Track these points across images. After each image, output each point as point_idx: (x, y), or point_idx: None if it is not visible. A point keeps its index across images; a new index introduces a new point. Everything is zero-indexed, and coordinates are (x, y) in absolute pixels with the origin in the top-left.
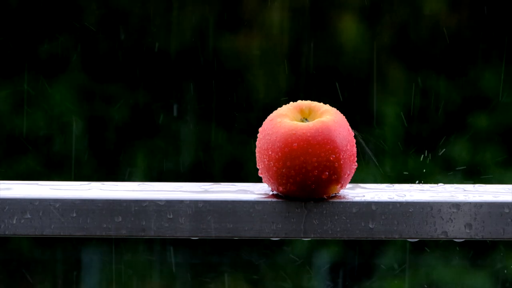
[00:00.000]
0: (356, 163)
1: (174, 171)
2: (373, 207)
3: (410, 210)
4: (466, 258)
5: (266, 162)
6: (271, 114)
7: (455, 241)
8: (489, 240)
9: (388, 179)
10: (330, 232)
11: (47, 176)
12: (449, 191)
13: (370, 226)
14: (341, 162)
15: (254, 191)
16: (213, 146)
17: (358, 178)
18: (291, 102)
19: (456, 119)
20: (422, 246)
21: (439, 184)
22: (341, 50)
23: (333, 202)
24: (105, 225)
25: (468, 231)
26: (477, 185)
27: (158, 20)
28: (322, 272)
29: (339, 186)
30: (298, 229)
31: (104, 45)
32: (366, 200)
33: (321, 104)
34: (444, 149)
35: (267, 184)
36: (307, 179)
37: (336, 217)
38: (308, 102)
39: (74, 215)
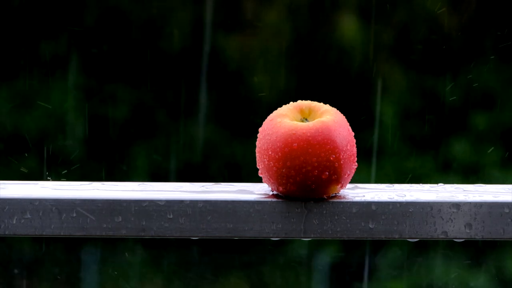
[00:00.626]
0: (356, 163)
1: (174, 171)
2: (373, 207)
3: (410, 210)
4: (466, 258)
5: (266, 162)
6: (271, 114)
7: (455, 241)
8: (489, 240)
9: (388, 179)
10: (330, 232)
11: (47, 176)
12: (449, 191)
13: (370, 226)
14: (341, 162)
15: (254, 191)
16: (213, 146)
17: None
18: (291, 102)
19: (456, 119)
20: (422, 246)
21: (439, 184)
22: (341, 50)
23: (333, 202)
24: (105, 225)
25: (468, 231)
26: (477, 185)
27: (158, 19)
28: (322, 272)
29: (339, 186)
30: (298, 229)
31: (104, 45)
32: (366, 200)
33: (321, 104)
34: (444, 149)
35: (267, 184)
36: (307, 179)
37: (336, 217)
38: (308, 102)
39: (74, 215)
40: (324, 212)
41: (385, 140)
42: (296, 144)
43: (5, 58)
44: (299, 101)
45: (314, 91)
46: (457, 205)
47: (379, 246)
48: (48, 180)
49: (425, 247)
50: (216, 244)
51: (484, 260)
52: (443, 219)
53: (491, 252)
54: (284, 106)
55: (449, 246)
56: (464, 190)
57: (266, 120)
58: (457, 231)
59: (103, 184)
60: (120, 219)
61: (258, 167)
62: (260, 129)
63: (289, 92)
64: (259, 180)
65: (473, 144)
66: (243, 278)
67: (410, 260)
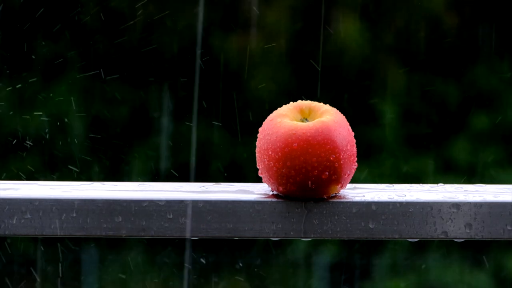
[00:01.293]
0: (356, 163)
1: (174, 171)
2: (373, 207)
3: (410, 210)
4: (466, 258)
5: (266, 162)
6: (271, 114)
7: (455, 241)
8: (489, 240)
9: (388, 179)
10: (330, 232)
11: (47, 176)
12: (449, 191)
13: (370, 226)
14: (341, 162)
15: (254, 191)
16: (213, 146)
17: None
18: (291, 102)
19: (456, 119)
20: (422, 246)
21: (439, 184)
22: (341, 50)
23: (333, 202)
24: (105, 225)
25: (468, 231)
26: (477, 185)
27: (158, 20)
28: (322, 272)
29: (339, 186)
30: (298, 229)
31: (104, 45)
32: (366, 200)
33: (321, 104)
34: (444, 149)
35: (267, 184)
36: (307, 179)
37: (336, 217)
38: (308, 102)
39: (74, 215)
40: (324, 212)
41: (385, 140)
42: (296, 144)
43: (5, 57)
44: (299, 101)
45: (314, 91)
46: (457, 205)
47: (379, 246)
48: (48, 180)
49: (425, 247)
50: (216, 244)
51: (484, 260)
52: (443, 219)
53: (491, 252)
54: (284, 106)
55: (449, 246)
56: (464, 190)
57: (266, 120)
58: (457, 231)
59: (103, 184)
60: (120, 219)
61: (258, 167)
62: (260, 129)
63: (289, 92)
64: (259, 180)
65: (473, 144)
66: (243, 278)
67: (410, 260)
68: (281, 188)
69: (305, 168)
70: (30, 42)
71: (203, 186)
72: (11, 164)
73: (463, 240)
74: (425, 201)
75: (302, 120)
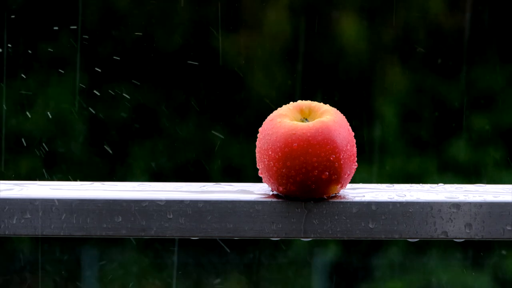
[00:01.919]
0: (356, 163)
1: (174, 171)
2: (373, 207)
3: (410, 210)
4: (466, 258)
5: (266, 162)
6: (271, 114)
7: (455, 241)
8: (489, 240)
9: (388, 179)
10: (330, 232)
11: (47, 176)
12: (449, 191)
13: (370, 226)
14: (341, 162)
15: (254, 191)
16: (213, 146)
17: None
18: (291, 102)
19: (456, 119)
20: (422, 246)
21: (439, 184)
22: (341, 50)
23: (333, 202)
24: (105, 225)
25: (468, 231)
26: (477, 185)
27: (158, 20)
28: (322, 272)
29: (339, 186)
30: (298, 229)
31: (104, 45)
32: (366, 200)
33: (321, 104)
34: (444, 149)
35: (267, 184)
36: (307, 179)
37: (336, 217)
38: (308, 102)
39: (74, 215)
40: (324, 212)
41: (385, 140)
42: (296, 144)
43: (5, 58)
44: (299, 101)
45: (314, 91)
46: (457, 205)
47: (379, 246)
48: (48, 180)
49: (425, 247)
50: (216, 244)
51: (484, 260)
52: (443, 219)
53: (491, 252)
54: (284, 106)
55: (449, 246)
56: (464, 190)
57: (266, 120)
58: (457, 231)
59: (103, 184)
60: (120, 219)
61: (258, 167)
62: (260, 129)
63: (289, 92)
64: (259, 180)
65: (473, 144)
66: (243, 278)
67: (410, 260)
68: (281, 188)
69: (305, 168)
70: (30, 41)
71: (203, 186)
72: (11, 164)
73: (463, 240)
74: (425, 201)
75: (302, 120)
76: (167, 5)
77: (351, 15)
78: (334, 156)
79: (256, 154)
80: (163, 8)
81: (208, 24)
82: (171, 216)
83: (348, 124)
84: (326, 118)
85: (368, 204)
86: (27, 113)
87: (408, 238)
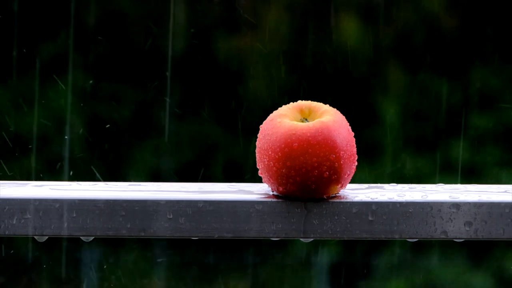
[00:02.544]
0: (356, 163)
1: (174, 171)
2: (373, 207)
3: (410, 210)
4: (466, 258)
5: (266, 162)
6: (271, 114)
7: (455, 241)
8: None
9: (388, 179)
10: (330, 232)
11: (47, 176)
12: (449, 191)
13: (370, 226)
14: (341, 162)
15: (254, 191)
16: (213, 146)
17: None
18: (291, 102)
19: (456, 119)
20: (422, 246)
21: (439, 184)
22: (341, 50)
23: (333, 202)
24: (105, 225)
25: (468, 231)
26: (477, 185)
27: (158, 20)
28: (322, 272)
29: (339, 186)
30: (298, 229)
31: (104, 45)
32: (366, 200)
33: (321, 104)
34: (444, 149)
35: (267, 184)
36: (307, 179)
37: (336, 217)
38: (308, 102)
39: (74, 215)
40: (324, 212)
41: (385, 140)
42: (296, 144)
43: (5, 58)
44: (299, 101)
45: (314, 91)
46: (457, 205)
47: (379, 246)
48: (48, 180)
49: (425, 247)
50: (216, 244)
51: (484, 260)
52: (443, 219)
53: (491, 252)
54: (284, 106)
55: (449, 246)
56: (464, 190)
57: (266, 120)
58: (457, 231)
59: (103, 184)
60: (120, 219)
61: (258, 167)
62: (260, 129)
63: (289, 92)
64: (259, 180)
65: (473, 144)
66: (243, 278)
67: (410, 260)
68: (281, 188)
69: (305, 168)
70: (30, 41)
71: (203, 186)
72: (11, 164)
73: (463, 240)
74: (425, 201)
75: (302, 120)
76: (167, 5)
77: (351, 15)
78: (334, 156)
79: (256, 154)
80: (163, 7)
81: (208, 24)
82: (171, 216)
83: (348, 124)
84: (326, 118)
85: (368, 204)
86: (27, 113)
87: (408, 238)
